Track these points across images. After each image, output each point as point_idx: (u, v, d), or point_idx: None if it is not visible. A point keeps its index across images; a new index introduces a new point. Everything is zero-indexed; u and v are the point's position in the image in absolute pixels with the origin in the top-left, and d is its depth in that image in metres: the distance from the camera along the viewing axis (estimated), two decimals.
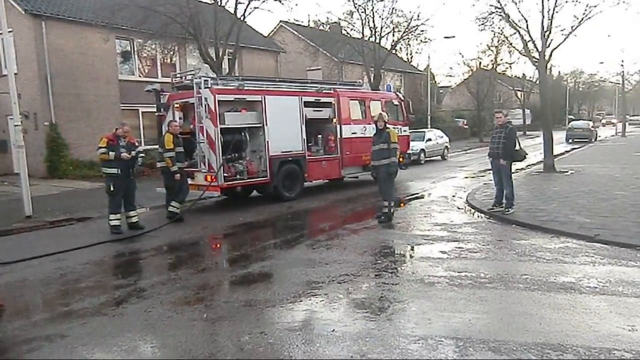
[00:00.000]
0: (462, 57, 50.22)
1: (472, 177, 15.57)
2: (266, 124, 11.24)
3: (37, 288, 6.15)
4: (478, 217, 9.31)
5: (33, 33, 17.19)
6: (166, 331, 4.45)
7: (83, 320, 4.82)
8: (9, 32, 11.59)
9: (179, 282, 5.89)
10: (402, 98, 16.16)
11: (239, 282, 5.90)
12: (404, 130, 15.50)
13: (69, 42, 17.91)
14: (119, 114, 18.67)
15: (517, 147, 8.92)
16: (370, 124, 12.93)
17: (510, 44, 20.48)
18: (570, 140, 31.75)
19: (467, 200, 10.81)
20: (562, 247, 6.75)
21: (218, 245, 8.51)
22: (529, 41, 15.58)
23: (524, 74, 43.52)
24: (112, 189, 8.67)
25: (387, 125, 8.92)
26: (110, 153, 8.60)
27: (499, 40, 30.14)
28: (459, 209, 10.21)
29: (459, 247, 6.90)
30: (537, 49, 15.33)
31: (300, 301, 5.02)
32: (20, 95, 13.03)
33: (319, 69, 30.10)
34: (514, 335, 4.00)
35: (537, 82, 26.33)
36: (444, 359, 3.66)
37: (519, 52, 18.22)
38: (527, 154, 9.38)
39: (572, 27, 15.28)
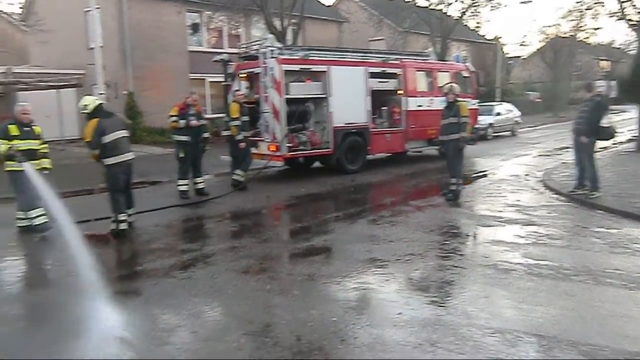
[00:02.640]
0: (538, 24, 46.66)
1: (547, 156, 14.46)
2: (330, 95, 11.04)
3: (114, 246, 6.46)
4: (556, 199, 8.58)
5: (116, 9, 18.06)
6: (231, 299, 4.50)
7: (155, 281, 5.02)
8: (97, 8, 12.28)
9: (243, 251, 5.95)
10: (472, 69, 15.32)
11: (302, 255, 5.86)
12: (472, 104, 14.74)
13: (146, 16, 18.65)
14: (187, 83, 19.18)
15: (605, 124, 8.09)
16: (437, 96, 12.43)
17: (603, 4, 18.41)
18: None
19: (542, 180, 10.07)
20: None
21: (280, 216, 8.56)
22: (625, 1, 13.94)
23: (610, 42, 39.61)
24: (181, 155, 8.92)
25: (458, 98, 8.45)
26: (181, 121, 8.82)
27: (582, 4, 27.45)
28: (533, 189, 9.52)
29: (536, 232, 6.38)
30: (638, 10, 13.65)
31: (364, 279, 4.89)
32: (104, 67, 13.80)
33: (382, 39, 29.13)
34: (610, 340, 3.53)
35: (629, 49, 23.67)
36: (525, 358, 3.34)
37: (614, 14, 16.40)
38: (615, 132, 8.46)
39: None
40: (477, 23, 28.89)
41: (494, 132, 20.35)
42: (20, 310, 4.70)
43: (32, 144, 6.67)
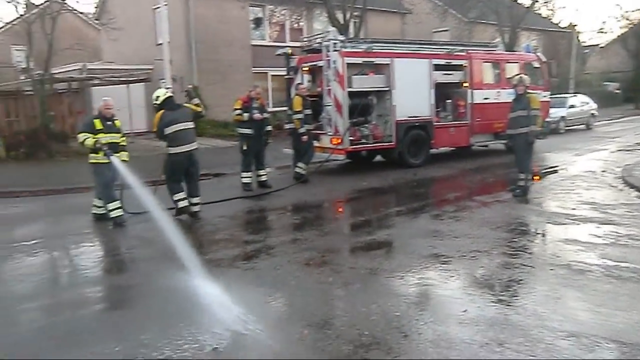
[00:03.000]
0: (620, 8, 42.91)
1: (627, 151, 13.41)
2: (394, 88, 10.91)
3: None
4: (638, 197, 7.96)
5: (182, 5, 18.82)
6: (294, 291, 4.56)
7: (220, 270, 5.16)
8: (165, 5, 12.92)
9: (305, 243, 6.02)
10: (544, 60, 14.53)
11: (364, 249, 5.85)
12: (544, 96, 13.99)
13: (210, 11, 19.30)
14: (250, 77, 19.65)
15: None
16: (504, 88, 11.96)
17: None
18: None
19: (622, 176, 9.36)
20: None
21: (342, 209, 8.58)
22: None
23: None
24: (245, 148, 9.17)
25: (528, 90, 8.07)
26: (245, 114, 9.05)
27: None
28: (610, 186, 8.90)
29: (615, 232, 5.95)
30: None
31: (427, 275, 4.80)
32: (171, 62, 14.50)
33: (447, 30, 28.25)
34: None
35: None
36: None
37: None
38: None
39: None
40: (550, 10, 27.27)
41: (567, 126, 19.25)
42: (95, 294, 4.96)
43: (115, 137, 7.06)
